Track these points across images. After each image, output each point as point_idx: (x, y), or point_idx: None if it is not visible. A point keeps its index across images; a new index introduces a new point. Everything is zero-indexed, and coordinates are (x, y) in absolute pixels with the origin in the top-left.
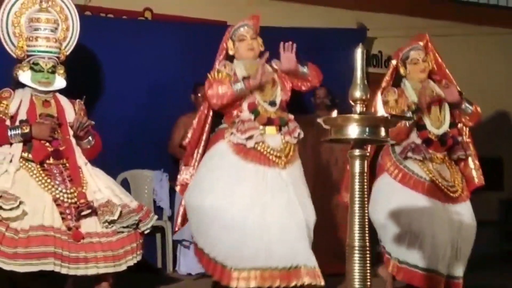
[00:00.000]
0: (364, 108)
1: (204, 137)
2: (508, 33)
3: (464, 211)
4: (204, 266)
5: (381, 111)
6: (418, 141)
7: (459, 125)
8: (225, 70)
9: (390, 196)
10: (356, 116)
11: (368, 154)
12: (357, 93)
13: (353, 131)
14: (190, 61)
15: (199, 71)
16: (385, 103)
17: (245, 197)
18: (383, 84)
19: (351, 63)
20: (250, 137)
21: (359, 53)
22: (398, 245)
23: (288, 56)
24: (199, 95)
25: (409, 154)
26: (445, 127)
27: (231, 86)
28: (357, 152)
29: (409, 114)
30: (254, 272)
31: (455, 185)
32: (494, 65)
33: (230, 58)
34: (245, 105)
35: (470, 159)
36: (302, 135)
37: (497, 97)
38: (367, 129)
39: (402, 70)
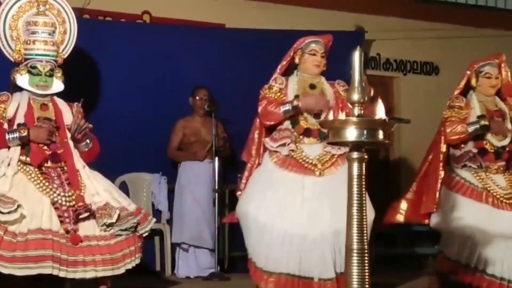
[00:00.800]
0: (362, 111)
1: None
2: (509, 36)
3: None
4: (250, 269)
5: (380, 114)
6: (474, 150)
7: None
8: (276, 85)
9: (449, 205)
10: (354, 119)
11: (366, 156)
12: (355, 96)
13: (351, 134)
14: (188, 64)
15: (197, 74)
16: (451, 107)
17: (274, 204)
18: (456, 91)
19: (350, 65)
20: (283, 145)
21: (357, 56)
22: (459, 251)
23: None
24: (197, 98)
25: (467, 163)
26: (506, 141)
27: (280, 107)
28: (355, 155)
29: (475, 125)
30: (282, 277)
31: (511, 193)
32: None
33: (291, 68)
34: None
35: None
36: (346, 149)
37: None
38: (365, 132)
39: (473, 81)
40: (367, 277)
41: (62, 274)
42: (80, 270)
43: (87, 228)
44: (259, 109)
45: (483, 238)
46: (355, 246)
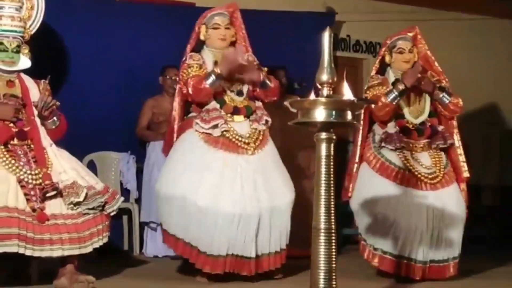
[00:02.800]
0: (331, 92)
1: (176, 127)
2: (476, 19)
3: (446, 197)
4: (178, 251)
5: (348, 94)
6: (393, 130)
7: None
8: (195, 62)
9: (367, 185)
10: (323, 99)
11: (334, 137)
12: (324, 77)
13: (319, 114)
14: (158, 43)
15: (167, 53)
16: (369, 87)
17: (212, 185)
18: (372, 72)
19: (319, 46)
20: (215, 126)
21: (326, 37)
22: (373, 233)
23: (252, 70)
24: (167, 77)
25: (382, 143)
26: (423, 117)
27: (204, 82)
28: (323, 135)
29: (394, 93)
30: (222, 259)
31: (436, 172)
32: (461, 50)
33: (200, 43)
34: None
35: (458, 150)
36: (270, 122)
37: (462, 83)
38: (333, 113)
39: (387, 58)
40: (333, 256)
41: (28, 252)
42: (47, 248)
43: (54, 206)
44: (190, 89)
45: (405, 224)
46: (322, 225)
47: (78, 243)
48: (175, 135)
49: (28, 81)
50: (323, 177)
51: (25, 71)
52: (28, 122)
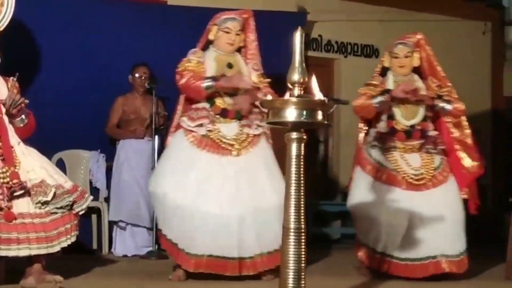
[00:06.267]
0: (302, 91)
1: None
2: (446, 20)
3: (432, 198)
4: (163, 245)
5: (318, 94)
6: (385, 130)
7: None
8: (195, 58)
9: (357, 185)
10: (293, 99)
11: (305, 137)
12: (295, 76)
13: (290, 114)
14: (129, 41)
15: (138, 51)
16: (367, 84)
17: (193, 185)
18: (375, 73)
19: (291, 46)
20: (200, 125)
21: (298, 36)
22: (361, 229)
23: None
24: (137, 75)
25: (374, 142)
26: (415, 120)
27: (202, 82)
28: (294, 135)
29: (381, 97)
30: (204, 259)
31: (423, 173)
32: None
33: (208, 42)
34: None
35: (459, 152)
36: (262, 128)
37: None
38: (304, 112)
39: (386, 62)
40: (303, 256)
41: None
42: (14, 248)
43: (21, 205)
44: (183, 81)
45: (390, 222)
46: (292, 225)
47: (46, 243)
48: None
49: None
50: (293, 177)
51: None
52: None
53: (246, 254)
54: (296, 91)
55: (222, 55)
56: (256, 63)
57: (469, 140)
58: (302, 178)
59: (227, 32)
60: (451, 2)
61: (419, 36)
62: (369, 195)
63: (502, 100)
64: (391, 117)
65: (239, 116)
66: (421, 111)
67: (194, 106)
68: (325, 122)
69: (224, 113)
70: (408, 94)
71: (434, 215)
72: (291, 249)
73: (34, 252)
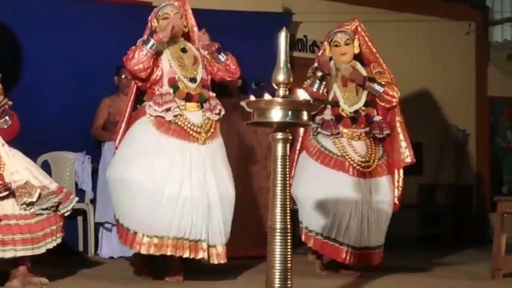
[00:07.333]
0: (287, 92)
1: (126, 116)
2: (430, 21)
3: (378, 185)
4: (119, 235)
5: (303, 95)
6: (329, 117)
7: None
8: (146, 47)
9: (304, 170)
10: (279, 100)
11: (290, 137)
12: (280, 77)
13: (276, 114)
14: (114, 42)
15: (123, 52)
16: (308, 77)
17: (162, 169)
18: (315, 64)
19: (276, 46)
20: (168, 109)
21: (283, 37)
22: (307, 215)
23: (199, 35)
24: (123, 77)
25: (319, 129)
26: (358, 106)
27: (144, 47)
28: (279, 135)
29: (317, 81)
30: (165, 240)
31: (370, 161)
32: (417, 51)
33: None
34: (165, 80)
35: (399, 137)
36: (223, 112)
37: (418, 83)
38: (289, 113)
39: (327, 52)
40: (289, 256)
41: None
42: None
43: (6, 207)
44: (130, 62)
45: (334, 207)
46: (278, 225)
47: (31, 244)
48: (123, 125)
49: None
50: (279, 177)
51: None
52: None
53: (212, 242)
54: (281, 91)
55: (171, 43)
56: (205, 46)
57: (399, 130)
58: (287, 178)
59: (166, 18)
60: (435, 3)
61: (356, 23)
62: (315, 181)
63: (486, 100)
64: (336, 104)
65: (202, 99)
66: (363, 97)
67: (157, 92)
68: (310, 122)
69: (188, 98)
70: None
71: (378, 204)
72: (277, 249)
73: (19, 253)
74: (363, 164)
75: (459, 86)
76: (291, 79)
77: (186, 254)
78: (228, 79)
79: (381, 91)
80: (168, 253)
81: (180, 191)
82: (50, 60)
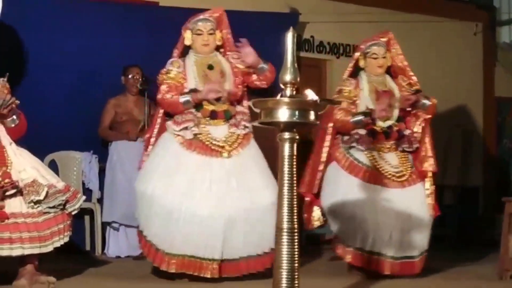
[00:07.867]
0: (294, 92)
1: (158, 127)
2: (437, 21)
3: (413, 195)
4: (141, 247)
5: (311, 95)
6: (363, 131)
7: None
8: (174, 69)
9: (337, 184)
10: (286, 100)
11: (297, 137)
12: (287, 77)
13: (283, 114)
14: (121, 42)
15: (130, 52)
16: (339, 91)
17: (182, 185)
18: (345, 74)
19: (283, 47)
20: (185, 128)
21: (290, 37)
22: (344, 230)
23: (249, 51)
24: (130, 77)
25: (354, 144)
26: (391, 121)
27: (180, 97)
28: (286, 135)
29: (360, 117)
30: (183, 259)
31: (403, 171)
32: (424, 52)
33: (186, 47)
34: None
35: (427, 146)
36: (249, 128)
37: (425, 84)
38: (296, 113)
39: (361, 63)
40: (296, 256)
41: None
42: (6, 247)
43: (13, 205)
44: (159, 96)
45: (373, 220)
46: (285, 225)
47: (39, 242)
48: (153, 139)
49: None
50: (286, 177)
51: None
52: None
53: (230, 256)
54: (288, 91)
55: (201, 58)
56: (234, 53)
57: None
58: (295, 178)
59: (200, 34)
60: (442, 3)
61: (389, 35)
62: (352, 194)
63: (493, 101)
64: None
65: (228, 116)
66: (395, 112)
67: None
68: (317, 122)
69: (213, 115)
70: (386, 111)
71: (416, 212)
72: (285, 249)
73: (27, 251)
74: (397, 175)
75: (466, 86)
76: (298, 79)
77: (199, 273)
78: (264, 86)
79: (430, 104)
80: (184, 271)
81: (198, 210)
82: (57, 60)
